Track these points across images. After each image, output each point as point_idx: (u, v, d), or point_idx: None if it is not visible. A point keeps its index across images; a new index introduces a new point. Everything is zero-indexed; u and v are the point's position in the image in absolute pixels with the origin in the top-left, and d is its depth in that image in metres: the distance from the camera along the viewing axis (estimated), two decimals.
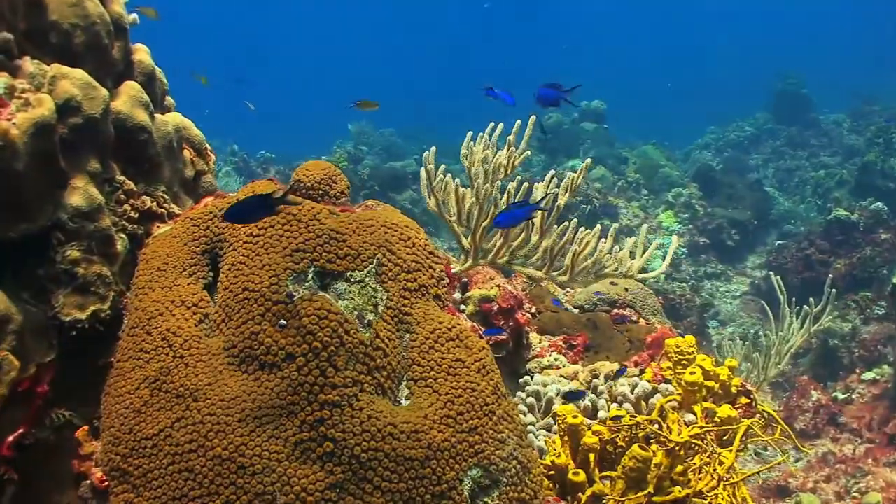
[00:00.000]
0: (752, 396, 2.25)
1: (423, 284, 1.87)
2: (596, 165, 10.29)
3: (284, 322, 1.65)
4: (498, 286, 2.98)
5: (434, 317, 1.84)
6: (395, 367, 1.75)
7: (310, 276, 1.73)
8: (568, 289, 3.48)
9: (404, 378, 1.78)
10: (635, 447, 1.93)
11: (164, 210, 1.97)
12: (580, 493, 1.99)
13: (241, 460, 1.60)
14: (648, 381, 2.47)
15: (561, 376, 2.92)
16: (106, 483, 1.71)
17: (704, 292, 8.30)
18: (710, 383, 2.24)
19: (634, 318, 3.18)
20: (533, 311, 3.53)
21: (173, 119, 2.07)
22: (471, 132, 2.10)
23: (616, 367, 2.65)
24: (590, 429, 2.10)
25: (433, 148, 1.99)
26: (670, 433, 1.99)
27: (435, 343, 1.80)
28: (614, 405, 2.35)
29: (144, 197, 1.93)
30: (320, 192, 2.01)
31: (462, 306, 3.19)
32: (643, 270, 2.55)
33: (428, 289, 1.88)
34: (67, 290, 1.76)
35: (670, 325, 3.16)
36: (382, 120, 13.78)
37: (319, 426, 1.61)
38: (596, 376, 2.59)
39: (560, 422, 2.12)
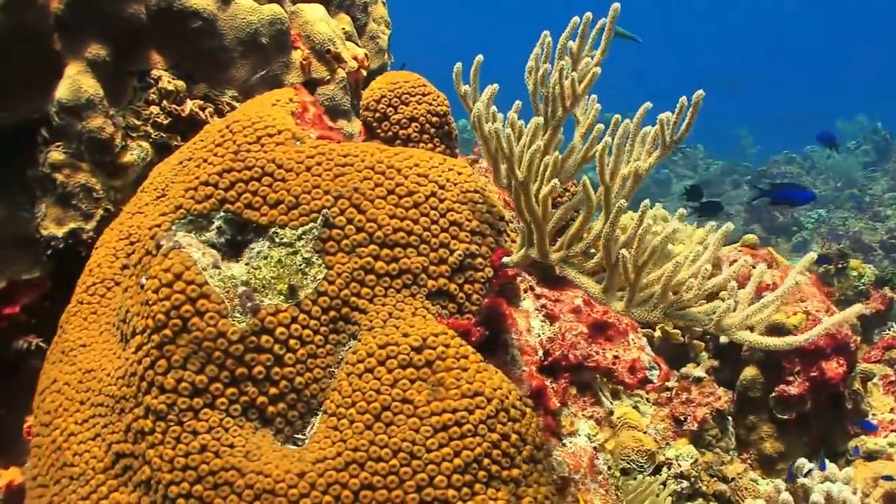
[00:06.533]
0: None
1: (407, 269, 1.16)
2: None
3: (144, 282, 1.15)
4: (807, 313, 1.94)
5: (403, 324, 1.13)
6: (300, 385, 1.11)
7: (216, 222, 1.18)
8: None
9: (322, 408, 1.13)
10: None
11: None
12: None
13: (66, 454, 1.17)
14: None
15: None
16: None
17: None
18: None
19: None
20: None
21: (270, 8, 1.62)
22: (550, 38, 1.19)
23: None
24: None
25: (478, 57, 1.18)
26: None
27: (379, 366, 1.11)
28: None
29: (190, 101, 1.56)
30: (378, 115, 1.41)
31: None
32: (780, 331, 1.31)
33: (419, 278, 1.17)
34: (51, 200, 1.49)
35: None
36: None
37: (141, 440, 1.09)
38: None
39: None
